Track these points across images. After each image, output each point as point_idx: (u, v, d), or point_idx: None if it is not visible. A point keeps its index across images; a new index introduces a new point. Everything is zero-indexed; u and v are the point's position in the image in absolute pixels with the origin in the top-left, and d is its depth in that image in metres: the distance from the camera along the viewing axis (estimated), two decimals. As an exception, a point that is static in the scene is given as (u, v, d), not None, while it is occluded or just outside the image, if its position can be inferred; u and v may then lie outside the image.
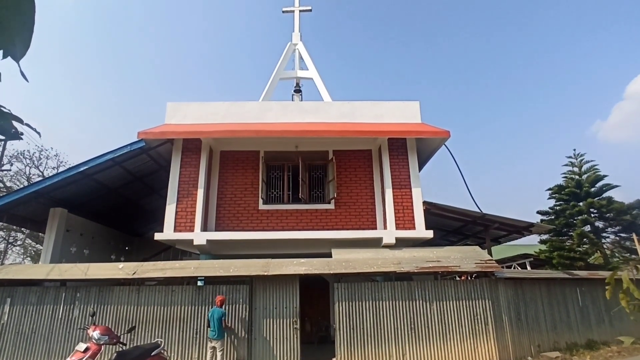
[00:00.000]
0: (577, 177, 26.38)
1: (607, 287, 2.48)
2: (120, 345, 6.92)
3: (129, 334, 8.49)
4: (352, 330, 9.02)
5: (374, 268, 9.32)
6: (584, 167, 26.43)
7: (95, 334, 6.27)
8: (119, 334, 7.09)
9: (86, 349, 6.00)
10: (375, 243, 10.71)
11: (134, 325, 8.61)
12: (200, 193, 10.84)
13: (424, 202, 11.06)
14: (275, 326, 9.07)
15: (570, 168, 27.19)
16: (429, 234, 10.64)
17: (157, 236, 10.55)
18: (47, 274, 9.49)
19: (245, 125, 11.62)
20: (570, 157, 27.32)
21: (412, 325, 9.10)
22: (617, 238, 24.97)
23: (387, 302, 9.24)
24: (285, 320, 9.09)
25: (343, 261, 9.66)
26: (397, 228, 10.59)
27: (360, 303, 9.21)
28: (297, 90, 16.41)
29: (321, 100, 14.73)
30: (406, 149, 11.42)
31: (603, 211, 24.12)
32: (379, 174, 11.68)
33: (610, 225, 24.85)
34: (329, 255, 10.18)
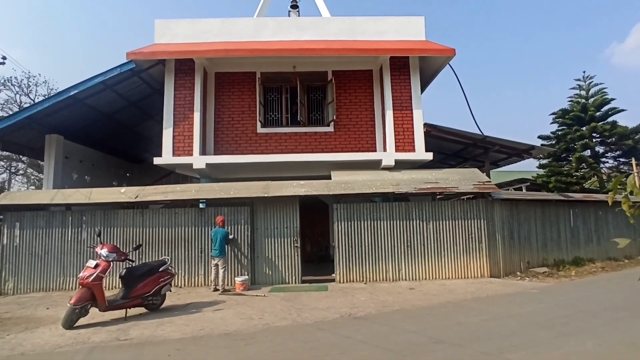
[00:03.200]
0: (583, 100, 25.66)
1: (609, 194, 2.40)
2: (129, 262, 7.23)
3: (136, 252, 8.90)
4: (350, 249, 9.41)
5: (372, 189, 9.43)
6: (592, 91, 25.58)
7: (103, 251, 6.49)
8: (126, 252, 7.37)
9: (96, 265, 6.25)
10: (375, 165, 10.71)
11: (140, 243, 8.96)
12: (196, 116, 10.58)
13: (425, 124, 10.84)
14: (276, 245, 9.45)
15: (577, 92, 26.34)
16: (429, 156, 10.59)
17: (156, 160, 10.53)
18: (51, 198, 9.65)
19: (240, 44, 10.95)
20: (578, 80, 26.30)
21: (409, 244, 9.47)
22: (616, 163, 25.06)
23: (385, 222, 9.51)
24: (286, 240, 9.44)
25: (342, 183, 9.75)
26: (396, 150, 10.51)
27: (358, 223, 9.49)
28: (294, 6, 15.19)
29: (320, 16, 13.69)
30: (408, 69, 10.87)
31: (605, 135, 23.86)
32: (379, 95, 11.28)
33: (611, 150, 24.79)
34: (329, 178, 10.24)
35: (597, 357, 4.14)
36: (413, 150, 10.55)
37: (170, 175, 14.80)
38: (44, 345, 5.08)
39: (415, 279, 9.30)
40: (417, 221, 9.55)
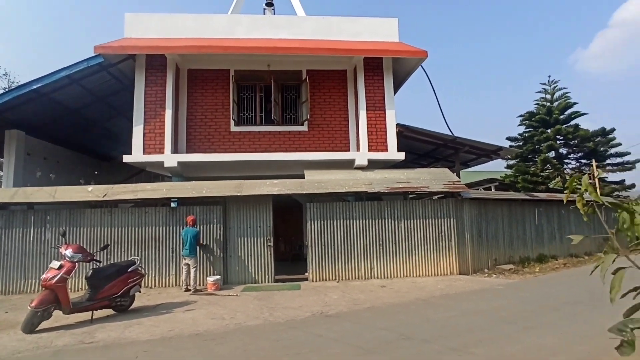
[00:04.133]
0: (548, 104, 26.83)
1: (565, 192, 2.54)
2: (96, 262, 7.00)
3: (103, 252, 8.64)
4: (323, 248, 9.47)
5: (345, 188, 9.52)
6: (556, 95, 26.81)
7: (68, 252, 6.26)
8: (93, 252, 7.13)
9: (60, 267, 6.03)
10: (348, 165, 10.81)
11: (107, 243, 8.69)
12: (168, 114, 10.35)
13: (397, 125, 11.04)
14: (249, 244, 9.39)
15: (543, 95, 27.52)
16: (401, 156, 10.79)
17: (126, 158, 10.23)
18: (10, 197, 9.20)
19: (214, 40, 10.79)
20: (544, 84, 27.50)
21: (381, 242, 9.62)
22: (578, 164, 26.35)
23: (358, 221, 9.63)
24: (259, 239, 9.39)
25: (315, 182, 9.79)
26: (369, 150, 10.65)
27: (331, 222, 9.56)
28: (269, 4, 15.09)
29: (295, 15, 13.67)
30: (382, 70, 11.04)
31: (569, 138, 25.08)
32: (353, 95, 11.39)
33: (573, 152, 26.05)
34: (302, 177, 10.27)
35: (556, 350, 4.35)
36: (386, 150, 10.72)
37: (140, 173, 14.41)
38: (1, 350, 4.85)
39: (387, 277, 9.47)
40: (389, 220, 9.72)
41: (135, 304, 7.05)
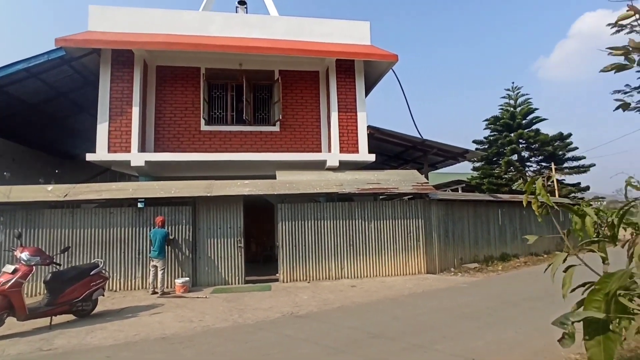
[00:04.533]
0: (511, 109, 28.03)
1: (523, 191, 2.69)
2: (55, 266, 6.69)
3: (65, 256, 8.26)
4: (294, 248, 9.47)
5: (316, 189, 9.57)
6: (519, 100, 28.04)
7: (24, 255, 5.95)
8: (52, 255, 6.81)
9: (15, 270, 5.71)
10: (320, 166, 10.88)
11: (68, 245, 8.33)
12: (135, 111, 10.04)
13: (369, 127, 11.22)
14: (219, 246, 9.25)
15: (507, 100, 28.70)
16: (372, 157, 10.97)
17: (89, 157, 9.83)
18: (-42, 196, 8.62)
19: (184, 37, 10.57)
20: (508, 90, 28.69)
21: (351, 242, 9.74)
22: (539, 167, 27.68)
23: (329, 222, 9.70)
24: (229, 240, 9.27)
25: (287, 183, 9.78)
26: (341, 151, 10.77)
27: (303, 222, 9.58)
28: (242, 2, 14.92)
29: (268, 15, 13.61)
30: (354, 72, 11.19)
31: (530, 142, 26.32)
32: (325, 96, 11.48)
33: (534, 155, 27.34)
34: (274, 178, 10.23)
35: (515, 343, 4.57)
36: (357, 151, 10.87)
37: (105, 172, 13.87)
38: (-50, 360, 4.56)
39: (357, 277, 9.59)
40: (360, 221, 9.85)
41: (99, 309, 6.80)
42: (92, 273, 6.66)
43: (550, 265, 2.22)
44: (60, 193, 8.94)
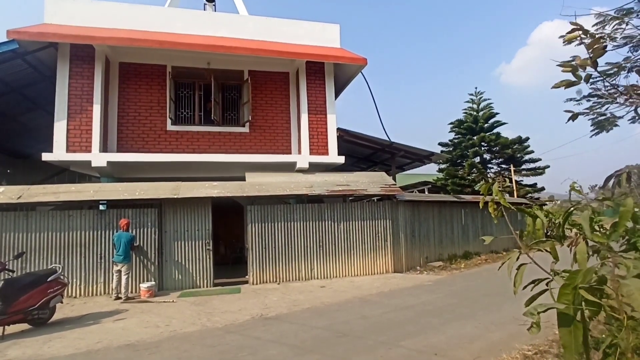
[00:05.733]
0: (475, 113, 29.22)
1: (481, 197, 2.87)
2: (8, 272, 6.32)
3: (19, 262, 7.83)
4: (264, 250, 9.44)
5: (286, 191, 9.58)
6: (482, 105, 29.28)
7: (-28, 261, 5.59)
8: (4, 261, 6.44)
9: (-37, 278, 5.36)
10: (289, 167, 10.89)
11: (23, 251, 7.89)
12: (96, 109, 9.62)
13: (338, 129, 11.36)
14: (187, 249, 9.06)
15: (470, 105, 29.89)
16: (341, 159, 11.11)
17: (46, 157, 9.32)
18: None
19: (149, 34, 10.24)
20: (471, 94, 29.89)
21: (321, 244, 9.83)
22: (499, 169, 29.02)
23: (298, 223, 9.74)
24: (197, 243, 9.10)
25: (257, 184, 9.73)
26: (311, 153, 10.82)
27: (272, 224, 9.55)
28: (210, 0, 14.67)
29: (237, 13, 13.46)
30: (324, 74, 11.28)
31: (491, 145, 27.56)
32: (295, 98, 11.49)
33: (495, 157, 28.64)
34: (243, 179, 10.14)
35: (474, 337, 4.81)
36: (327, 153, 10.97)
37: (64, 172, 13.23)
38: None
39: (327, 277, 9.69)
40: (329, 222, 9.96)
41: (57, 316, 6.49)
42: (49, 279, 6.34)
43: (503, 263, 2.38)
44: (13, 195, 8.45)
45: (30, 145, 15.02)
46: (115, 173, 10.33)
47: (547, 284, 2.24)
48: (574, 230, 2.66)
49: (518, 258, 2.30)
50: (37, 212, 8.76)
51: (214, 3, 14.79)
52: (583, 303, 1.78)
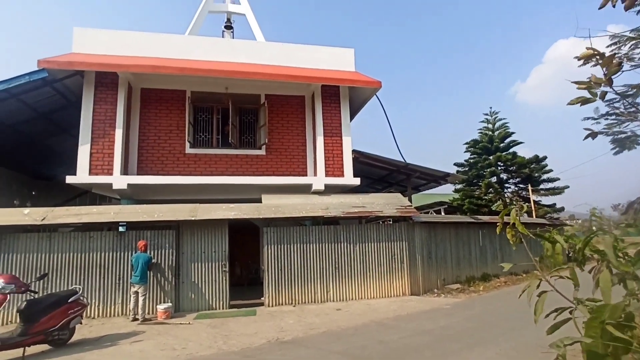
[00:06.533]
0: (490, 133, 29.04)
1: (497, 224, 2.85)
2: (31, 293, 6.47)
3: (41, 282, 7.99)
4: (280, 272, 9.43)
5: (302, 213, 9.62)
6: (497, 125, 29.12)
7: (-2, 282, 5.75)
8: (28, 282, 6.60)
9: (-11, 299, 5.52)
10: (305, 189, 10.97)
11: (45, 272, 8.08)
12: (118, 133, 9.97)
13: (353, 151, 11.44)
14: (203, 270, 9.12)
15: (485, 125, 29.76)
16: (357, 181, 11.15)
17: (69, 179, 9.65)
18: None
19: (170, 61, 10.68)
20: (486, 114, 29.80)
21: (337, 266, 9.76)
22: (516, 188, 28.53)
23: (314, 245, 9.72)
24: (214, 264, 9.16)
25: (273, 206, 9.81)
26: (326, 175, 10.90)
27: (288, 246, 9.57)
28: (228, 27, 15.25)
29: (254, 40, 13.92)
30: (339, 97, 11.48)
31: (508, 164, 27.21)
32: (311, 121, 11.69)
33: (512, 177, 28.21)
34: (259, 201, 10.25)
35: (496, 366, 4.66)
36: (342, 175, 11.04)
37: (85, 194, 13.63)
38: None
39: (343, 300, 9.58)
40: (345, 244, 9.92)
41: (76, 337, 6.56)
42: (70, 300, 6.46)
43: (524, 291, 2.35)
44: (37, 216, 8.72)
45: (53, 168, 15.55)
46: (135, 195, 10.58)
47: (570, 313, 2.20)
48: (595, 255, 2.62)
49: (538, 286, 2.27)
50: (59, 233, 9.01)
51: (232, 30, 15.37)
52: (611, 339, 1.74)
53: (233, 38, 15.05)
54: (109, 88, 10.22)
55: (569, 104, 2.93)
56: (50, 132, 13.25)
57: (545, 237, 2.58)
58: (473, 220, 13.42)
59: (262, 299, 9.42)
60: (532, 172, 26.88)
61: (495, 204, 27.77)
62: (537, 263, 2.50)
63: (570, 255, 2.70)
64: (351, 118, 12.07)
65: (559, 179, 27.19)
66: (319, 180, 10.84)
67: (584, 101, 2.80)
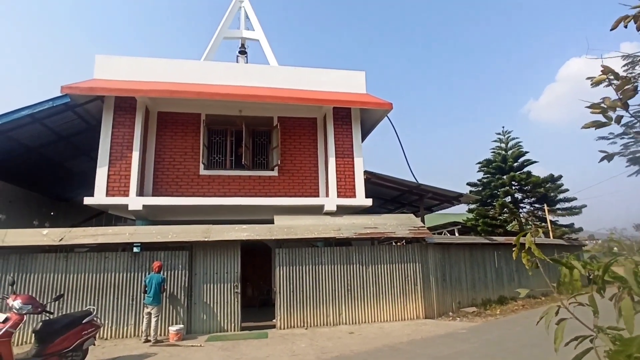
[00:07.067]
0: (503, 152, 28.76)
1: (513, 249, 2.81)
2: (47, 314, 6.54)
3: (56, 303, 8.08)
4: (292, 293, 9.35)
5: (314, 234, 9.61)
6: (510, 144, 28.86)
7: (16, 303, 5.83)
8: (44, 303, 6.68)
9: (5, 320, 5.58)
10: (317, 210, 10.98)
11: (62, 293, 8.18)
12: (135, 156, 10.23)
13: (365, 172, 11.47)
14: (216, 291, 9.12)
15: (498, 144, 29.53)
16: (369, 202, 11.13)
17: (87, 200, 9.88)
18: (-47, 240, 8.55)
19: (186, 85, 11.01)
20: (499, 133, 29.61)
21: (349, 287, 9.65)
22: (532, 208, 27.96)
23: (326, 266, 9.66)
24: (226, 285, 9.16)
25: (285, 227, 9.83)
26: (338, 196, 10.92)
27: (300, 267, 9.52)
28: (242, 52, 15.73)
29: (267, 64, 14.29)
30: (350, 119, 11.61)
31: (522, 184, 26.77)
32: (323, 142, 11.81)
33: (527, 197, 27.70)
34: (272, 222, 10.29)
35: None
36: (354, 196, 11.04)
37: (101, 215, 13.87)
38: None
39: (355, 323, 9.41)
40: (357, 265, 9.82)
41: (88, 358, 6.57)
42: (84, 321, 6.50)
43: (542, 318, 2.31)
44: (55, 237, 8.91)
45: (72, 189, 15.96)
46: (150, 216, 10.74)
47: (591, 341, 2.14)
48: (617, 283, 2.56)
49: (557, 312, 2.22)
50: (75, 253, 9.16)
51: (246, 55, 15.84)
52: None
53: (247, 62, 15.49)
54: (127, 112, 10.55)
55: (584, 127, 2.92)
56: (70, 155, 13.66)
57: (562, 263, 2.53)
58: (488, 241, 13.17)
59: (274, 321, 9.33)
60: (547, 191, 26.37)
61: (511, 224, 27.22)
62: (555, 289, 2.45)
63: (590, 277, 2.65)
64: (363, 139, 12.15)
65: (575, 199, 26.59)
66: (330, 201, 10.86)
67: (599, 125, 2.79)
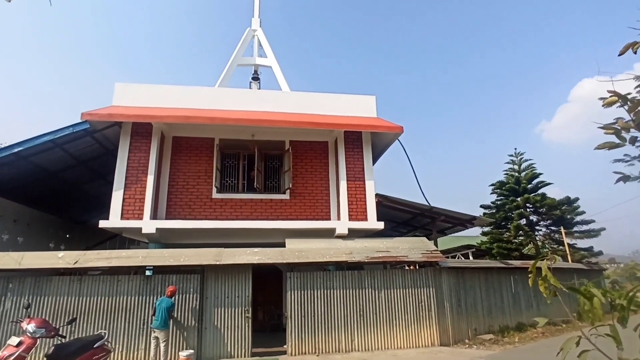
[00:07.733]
0: (516, 174, 28.45)
1: (529, 275, 2.76)
2: (59, 338, 6.57)
3: (69, 326, 8.11)
4: (303, 318, 9.21)
5: (326, 258, 9.54)
6: (523, 165, 28.56)
7: (30, 327, 5.89)
8: (57, 326, 6.72)
9: (19, 343, 5.63)
10: (329, 233, 10.94)
11: (74, 316, 8.20)
12: (150, 179, 10.43)
13: (377, 195, 11.45)
14: (226, 315, 9.04)
15: (511, 166, 29.26)
16: (380, 225, 11.05)
17: (102, 224, 10.03)
18: (-28, 263, 8.72)
19: (200, 111, 11.30)
20: (511, 155, 29.38)
21: (361, 313, 9.47)
22: (548, 231, 27.33)
23: (338, 291, 9.52)
24: (237, 309, 9.08)
25: (296, 251, 9.79)
26: (350, 219, 10.88)
27: (312, 292, 9.41)
28: (255, 78, 16.16)
29: (279, 89, 14.63)
30: (361, 142, 11.70)
31: (537, 206, 26.29)
32: (334, 165, 11.88)
33: (543, 219, 27.14)
34: (283, 245, 10.26)
35: None
36: (365, 219, 10.99)
37: (115, 238, 14.03)
38: None
39: (368, 350, 9.17)
40: (370, 290, 9.66)
41: (99, 384, 6.51)
42: (95, 346, 6.50)
43: (561, 349, 2.24)
44: (70, 260, 9.02)
45: (87, 212, 16.24)
46: (163, 239, 10.83)
47: (615, 374, 2.06)
48: None
49: (578, 343, 2.15)
50: (88, 276, 9.24)
51: (258, 81, 16.26)
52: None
53: (260, 88, 15.88)
54: (143, 137, 10.83)
55: (597, 148, 2.90)
56: (87, 179, 14.00)
57: (580, 292, 2.47)
58: (504, 265, 12.85)
59: (285, 346, 9.15)
60: (564, 213, 25.82)
61: (527, 248, 26.58)
62: (575, 318, 2.38)
63: (612, 305, 2.56)
64: (374, 162, 12.19)
65: (593, 221, 25.95)
66: (342, 224, 10.81)
67: (613, 146, 2.77)
